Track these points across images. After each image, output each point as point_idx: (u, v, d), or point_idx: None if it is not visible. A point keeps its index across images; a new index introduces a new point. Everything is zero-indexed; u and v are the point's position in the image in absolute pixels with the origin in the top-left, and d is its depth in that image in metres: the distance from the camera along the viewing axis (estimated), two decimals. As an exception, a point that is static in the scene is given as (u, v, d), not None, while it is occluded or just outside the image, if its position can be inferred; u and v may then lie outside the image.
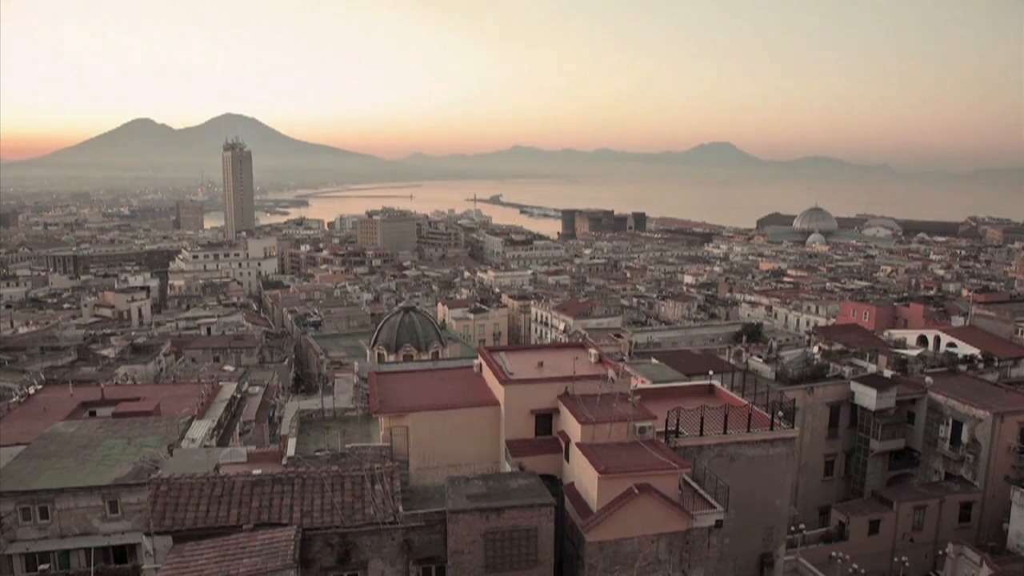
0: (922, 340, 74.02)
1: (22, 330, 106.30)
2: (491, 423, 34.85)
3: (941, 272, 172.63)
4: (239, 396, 61.46)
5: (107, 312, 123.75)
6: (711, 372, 48.88)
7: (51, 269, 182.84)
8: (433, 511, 28.10)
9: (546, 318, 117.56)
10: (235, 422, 56.11)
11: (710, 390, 41.37)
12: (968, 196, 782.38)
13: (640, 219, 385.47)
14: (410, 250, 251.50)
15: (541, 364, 37.45)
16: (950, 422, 51.48)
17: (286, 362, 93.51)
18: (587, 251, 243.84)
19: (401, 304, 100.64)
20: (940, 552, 45.89)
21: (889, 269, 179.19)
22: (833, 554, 42.66)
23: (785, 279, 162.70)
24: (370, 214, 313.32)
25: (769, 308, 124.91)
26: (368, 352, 74.16)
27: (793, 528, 40.50)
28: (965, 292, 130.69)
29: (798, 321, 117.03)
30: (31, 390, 61.02)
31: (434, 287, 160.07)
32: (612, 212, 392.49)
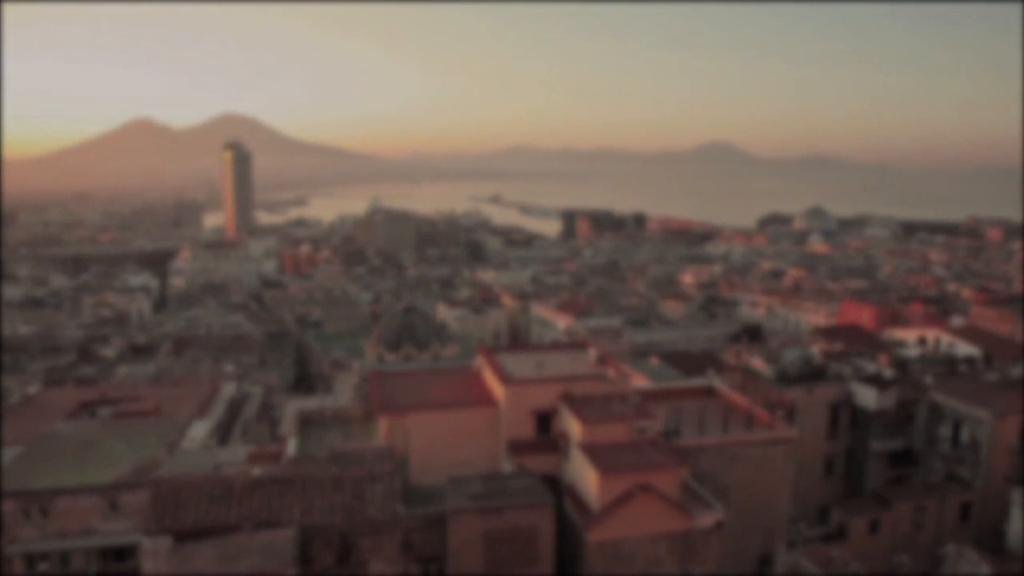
0: (922, 340, 74.02)
1: (22, 330, 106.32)
2: (491, 423, 34.87)
3: (941, 272, 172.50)
4: (239, 396, 61.48)
5: (107, 312, 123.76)
6: (711, 372, 48.85)
7: (51, 269, 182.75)
8: (433, 511, 28.11)
9: (546, 318, 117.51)
10: (235, 422, 56.13)
11: (710, 390, 41.40)
12: (968, 195, 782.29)
13: (640, 219, 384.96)
14: (410, 250, 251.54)
15: (541, 364, 37.48)
16: (950, 422, 51.48)
17: (286, 362, 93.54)
18: (587, 251, 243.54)
19: (401, 304, 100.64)
20: (940, 552, 45.88)
21: (889, 269, 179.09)
22: (833, 554, 42.66)
23: (785, 279, 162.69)
24: (370, 207, 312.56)
25: (769, 308, 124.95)
26: (368, 352, 74.17)
27: (793, 528, 40.52)
28: (965, 292, 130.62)
29: (798, 321, 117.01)
30: (31, 390, 61.02)
31: (434, 287, 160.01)
32: (612, 212, 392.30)
